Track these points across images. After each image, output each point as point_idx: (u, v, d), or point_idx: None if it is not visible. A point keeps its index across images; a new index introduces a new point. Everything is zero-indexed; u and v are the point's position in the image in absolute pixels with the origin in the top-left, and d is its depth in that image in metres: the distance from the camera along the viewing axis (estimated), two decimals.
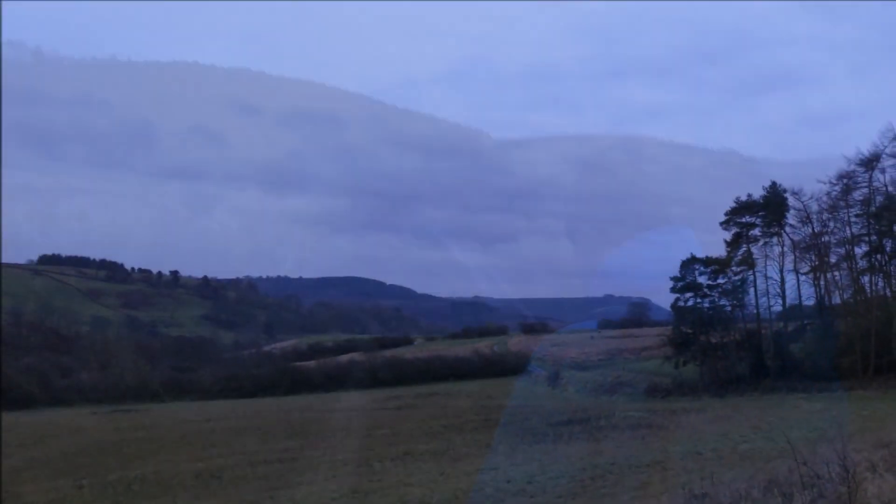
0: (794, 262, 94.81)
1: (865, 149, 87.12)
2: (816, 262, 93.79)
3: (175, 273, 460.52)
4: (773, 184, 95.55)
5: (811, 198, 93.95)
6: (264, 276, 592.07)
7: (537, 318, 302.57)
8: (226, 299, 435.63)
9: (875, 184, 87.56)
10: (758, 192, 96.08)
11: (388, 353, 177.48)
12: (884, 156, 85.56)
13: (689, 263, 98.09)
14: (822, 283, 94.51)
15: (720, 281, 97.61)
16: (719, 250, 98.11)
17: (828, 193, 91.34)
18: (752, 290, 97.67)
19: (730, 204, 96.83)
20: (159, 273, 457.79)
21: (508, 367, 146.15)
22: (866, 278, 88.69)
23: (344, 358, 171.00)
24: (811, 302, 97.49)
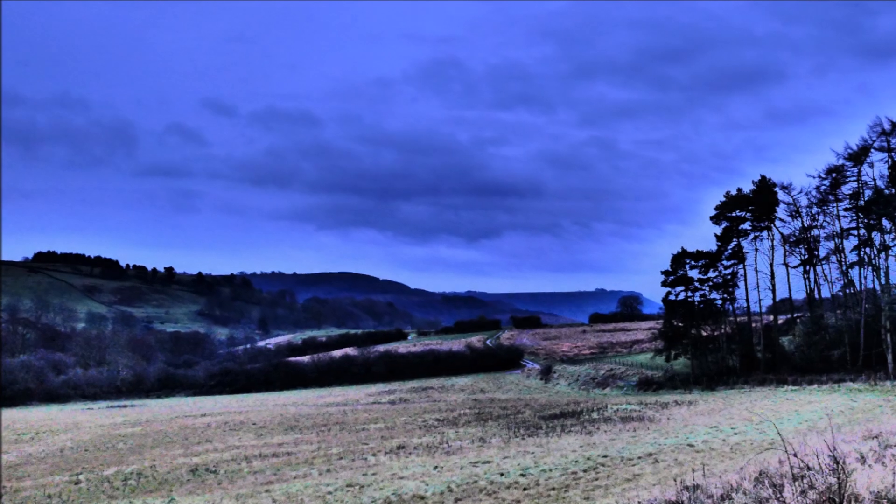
0: (784, 255, 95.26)
1: (854, 143, 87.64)
2: (806, 256, 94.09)
3: (170, 269, 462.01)
4: (763, 178, 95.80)
5: (800, 192, 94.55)
6: (258, 272, 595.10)
7: (529, 313, 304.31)
8: (220, 295, 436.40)
9: (864, 178, 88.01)
10: (731, 186, 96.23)
11: (382, 347, 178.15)
12: (872, 150, 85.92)
13: (680, 257, 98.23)
14: (811, 276, 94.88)
15: (711, 275, 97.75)
16: (699, 244, 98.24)
17: (817, 188, 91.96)
18: (742, 283, 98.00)
19: (706, 197, 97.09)
20: (154, 269, 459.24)
21: (501, 360, 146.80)
22: (855, 271, 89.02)
23: (338, 353, 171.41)
24: (801, 295, 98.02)
